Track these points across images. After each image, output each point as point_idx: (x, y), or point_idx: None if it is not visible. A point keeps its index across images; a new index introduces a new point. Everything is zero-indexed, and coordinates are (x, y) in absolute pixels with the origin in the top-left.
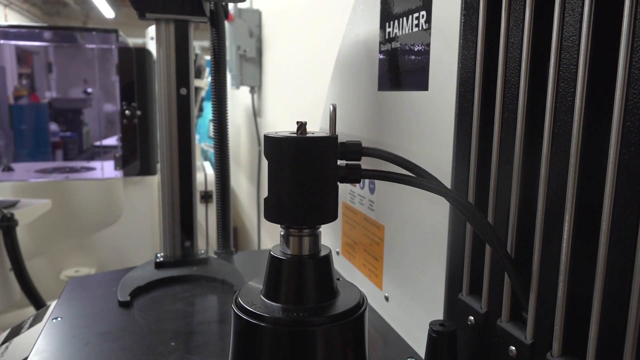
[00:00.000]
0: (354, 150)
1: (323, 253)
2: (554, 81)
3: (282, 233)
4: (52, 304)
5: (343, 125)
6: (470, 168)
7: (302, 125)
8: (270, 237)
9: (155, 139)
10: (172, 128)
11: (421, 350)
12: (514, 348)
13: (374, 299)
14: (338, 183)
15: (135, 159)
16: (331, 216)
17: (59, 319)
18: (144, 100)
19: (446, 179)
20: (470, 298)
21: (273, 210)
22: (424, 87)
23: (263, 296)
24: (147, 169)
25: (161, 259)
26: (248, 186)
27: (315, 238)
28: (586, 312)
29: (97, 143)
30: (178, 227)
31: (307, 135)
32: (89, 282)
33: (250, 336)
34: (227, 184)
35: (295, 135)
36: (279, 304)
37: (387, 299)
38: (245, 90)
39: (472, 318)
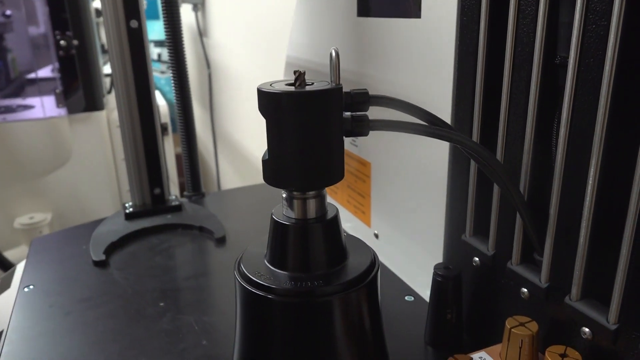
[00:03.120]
0: (361, 100)
1: (330, 214)
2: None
3: (284, 195)
4: (19, 268)
5: (313, 53)
6: (475, 106)
7: (300, 75)
8: (230, 165)
9: (99, 70)
10: (125, 67)
11: (419, 288)
12: (526, 290)
13: (363, 236)
14: (344, 137)
15: (77, 92)
16: (338, 175)
17: (31, 287)
18: (80, 28)
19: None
20: (474, 239)
21: (274, 173)
22: (416, 14)
23: (268, 263)
24: (93, 104)
25: (131, 209)
26: (200, 112)
27: (322, 199)
28: (608, 252)
29: (32, 76)
30: (145, 174)
31: (308, 87)
32: (55, 241)
33: (260, 309)
34: (191, 116)
35: (294, 88)
36: (286, 272)
37: (376, 236)
38: (187, 8)
39: (477, 259)
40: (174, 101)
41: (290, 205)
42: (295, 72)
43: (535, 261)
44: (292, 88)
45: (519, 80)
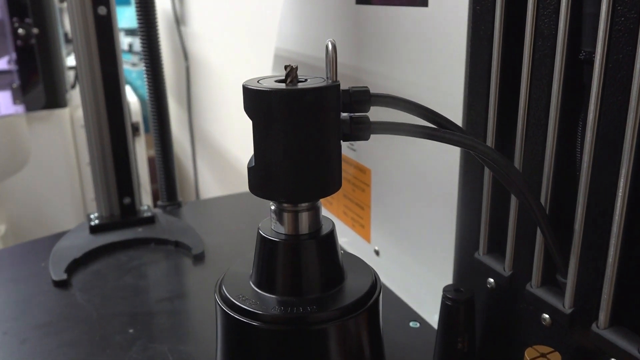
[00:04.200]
0: (361, 99)
1: (326, 229)
2: None
3: (273, 207)
4: None
5: (306, 45)
6: (490, 106)
7: (292, 71)
8: (210, 171)
9: (62, 62)
10: (92, 59)
11: (426, 313)
12: (547, 316)
13: (361, 253)
14: (341, 141)
15: (36, 87)
16: (335, 185)
17: None
18: (41, 15)
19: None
20: (489, 258)
21: (262, 182)
22: (423, 2)
23: (253, 285)
24: (54, 101)
25: (96, 221)
26: (177, 110)
27: (316, 212)
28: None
29: None
30: (113, 180)
31: (301, 84)
32: (9, 257)
33: (244, 337)
34: (166, 114)
35: (285, 86)
36: (274, 296)
37: (377, 253)
38: None
39: (492, 280)
40: (147, 97)
41: (280, 219)
42: (286, 67)
43: (558, 283)
44: (282, 85)
45: (539, 78)
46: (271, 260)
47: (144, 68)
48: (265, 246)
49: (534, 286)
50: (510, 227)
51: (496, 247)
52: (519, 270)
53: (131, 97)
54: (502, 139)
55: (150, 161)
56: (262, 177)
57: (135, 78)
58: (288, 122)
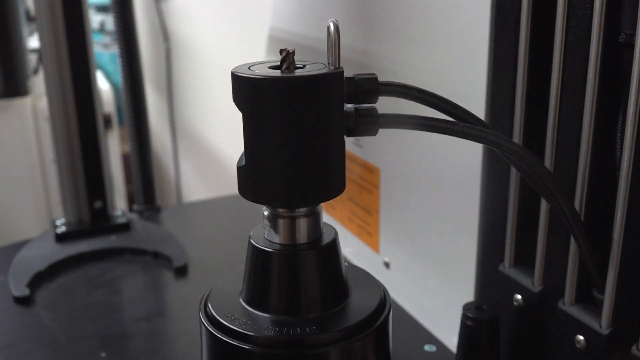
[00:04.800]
0: (368, 88)
1: (327, 238)
2: None
3: (266, 213)
4: None
5: (304, 25)
6: (517, 96)
7: (288, 55)
8: (194, 170)
9: (22, 43)
10: (58, 40)
11: (443, 334)
12: (582, 338)
13: (369, 266)
14: (345, 137)
15: None
16: (338, 187)
17: None
18: None
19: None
20: (516, 271)
21: (253, 184)
22: None
23: (244, 302)
24: (13, 88)
25: (63, 228)
26: (155, 99)
27: (316, 219)
28: None
29: None
30: (82, 180)
31: (299, 71)
32: None
33: None
34: (143, 104)
35: (280, 73)
36: (268, 315)
37: (387, 265)
38: None
39: (519, 297)
40: (122, 84)
41: (274, 226)
42: (281, 51)
43: (595, 300)
44: (277, 72)
45: (573, 64)
46: (264, 274)
47: (117, 50)
48: (257, 258)
49: (567, 303)
50: (540, 235)
51: (524, 259)
52: (550, 286)
53: (103, 84)
54: (530, 134)
55: (125, 158)
56: (253, 177)
57: (107, 62)
58: (284, 114)
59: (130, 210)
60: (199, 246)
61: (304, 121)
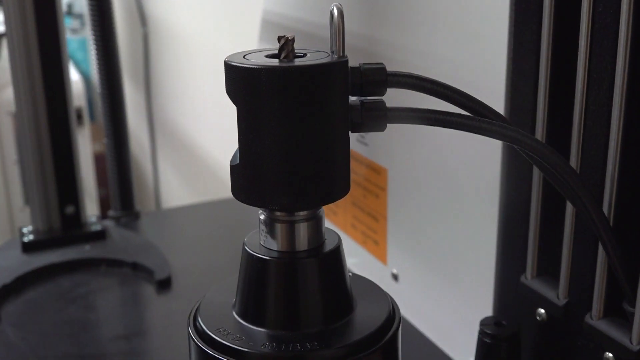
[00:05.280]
0: (375, 79)
1: (330, 245)
2: None
3: (262, 217)
4: None
5: (304, 8)
6: (540, 89)
7: (287, 43)
8: (176, 171)
9: None
10: (26, 23)
11: (458, 352)
12: (611, 355)
13: (375, 278)
14: (350, 133)
15: None
16: (341, 188)
17: None
18: None
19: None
20: (538, 283)
21: (248, 184)
22: None
23: (237, 315)
24: None
25: (30, 236)
26: (132, 91)
27: (317, 223)
28: None
29: None
30: (52, 184)
31: (298, 60)
32: None
33: None
34: (119, 97)
35: (278, 62)
36: (264, 330)
37: (395, 277)
38: None
39: (542, 311)
40: (96, 75)
41: (272, 231)
42: (279, 38)
43: (625, 314)
44: (275, 61)
45: (600, 52)
46: (260, 284)
47: (91, 35)
48: (252, 266)
49: (595, 317)
50: (565, 243)
51: (548, 269)
52: (576, 298)
53: (72, 74)
54: (554, 130)
55: (98, 159)
56: (248, 177)
57: (77, 49)
58: (282, 107)
59: (105, 216)
60: (182, 256)
61: (305, 115)
